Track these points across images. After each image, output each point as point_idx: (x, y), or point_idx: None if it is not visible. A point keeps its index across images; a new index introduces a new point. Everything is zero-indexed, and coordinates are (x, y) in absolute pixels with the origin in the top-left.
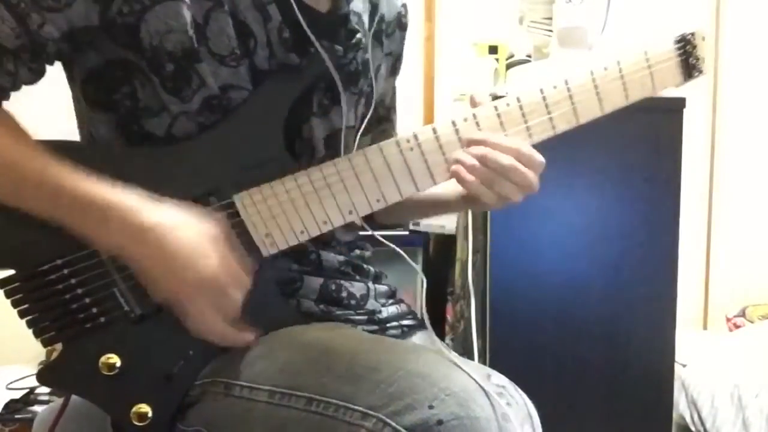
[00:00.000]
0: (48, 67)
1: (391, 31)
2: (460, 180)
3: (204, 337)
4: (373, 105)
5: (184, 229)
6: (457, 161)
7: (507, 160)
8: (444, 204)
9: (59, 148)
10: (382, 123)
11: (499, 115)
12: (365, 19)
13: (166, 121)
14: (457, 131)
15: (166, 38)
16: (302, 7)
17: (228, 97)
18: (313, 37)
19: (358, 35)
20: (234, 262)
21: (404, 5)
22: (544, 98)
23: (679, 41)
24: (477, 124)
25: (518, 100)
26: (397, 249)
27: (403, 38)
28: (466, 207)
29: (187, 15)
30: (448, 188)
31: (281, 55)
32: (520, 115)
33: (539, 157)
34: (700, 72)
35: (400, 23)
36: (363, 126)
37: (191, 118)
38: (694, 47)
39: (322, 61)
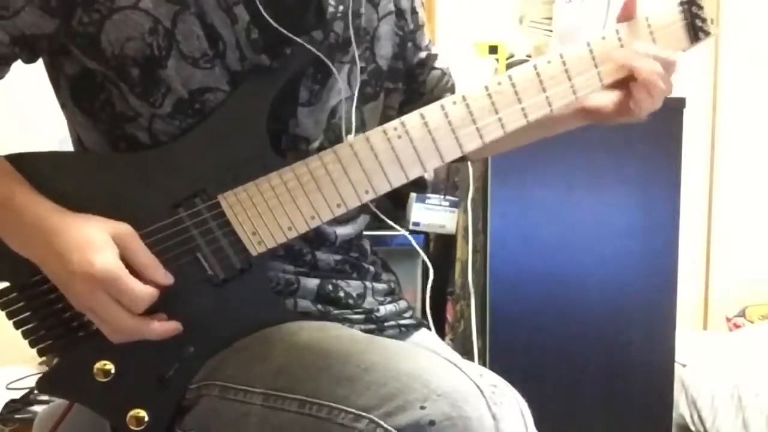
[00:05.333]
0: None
1: None
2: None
3: (119, 335)
4: (364, 69)
5: (77, 225)
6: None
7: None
8: (556, 120)
9: (47, 160)
10: (395, 81)
11: (490, 95)
12: None
13: (143, 125)
14: (446, 115)
15: (127, 46)
16: (270, 2)
17: (203, 100)
18: (287, 32)
19: (330, 9)
20: (138, 255)
21: None
22: (538, 74)
23: (683, 3)
24: (467, 106)
25: (510, 78)
26: (408, 235)
27: None
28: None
29: (146, 23)
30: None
31: (252, 57)
32: (512, 93)
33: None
34: (707, 34)
35: None
36: (358, 93)
37: (166, 121)
38: (701, 8)
39: (300, 55)
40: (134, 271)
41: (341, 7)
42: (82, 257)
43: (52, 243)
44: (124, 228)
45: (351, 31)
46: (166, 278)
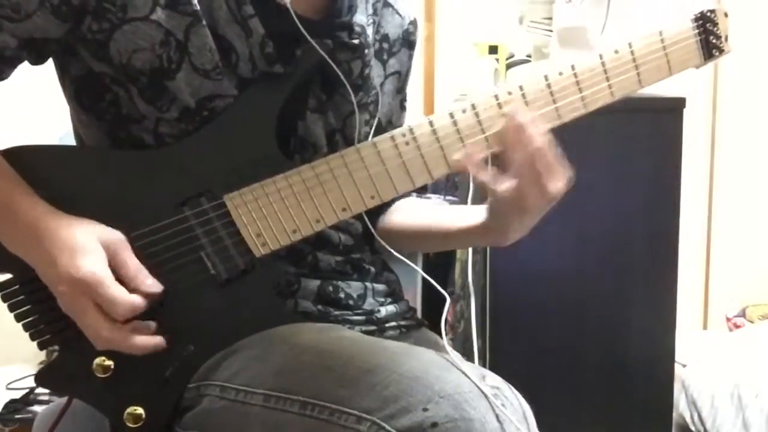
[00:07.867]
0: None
1: (396, 50)
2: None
3: (99, 344)
4: (376, 118)
5: (69, 228)
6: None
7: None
8: (462, 233)
9: (52, 154)
10: None
11: (499, 105)
12: (369, 32)
13: (149, 127)
14: (455, 123)
15: (135, 57)
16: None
17: (212, 107)
18: (303, 30)
19: (356, 41)
20: (125, 264)
21: (413, 22)
22: (548, 86)
23: (697, 19)
24: (476, 114)
25: (521, 88)
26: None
27: (410, 56)
28: (487, 232)
29: (157, 35)
30: (468, 217)
31: (265, 68)
32: (522, 104)
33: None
34: (722, 51)
35: (408, 41)
36: (365, 136)
37: (173, 125)
38: (715, 25)
39: (312, 57)
40: (121, 280)
41: (360, 46)
42: (69, 260)
43: (43, 244)
44: (115, 235)
45: (357, 74)
46: (153, 287)
